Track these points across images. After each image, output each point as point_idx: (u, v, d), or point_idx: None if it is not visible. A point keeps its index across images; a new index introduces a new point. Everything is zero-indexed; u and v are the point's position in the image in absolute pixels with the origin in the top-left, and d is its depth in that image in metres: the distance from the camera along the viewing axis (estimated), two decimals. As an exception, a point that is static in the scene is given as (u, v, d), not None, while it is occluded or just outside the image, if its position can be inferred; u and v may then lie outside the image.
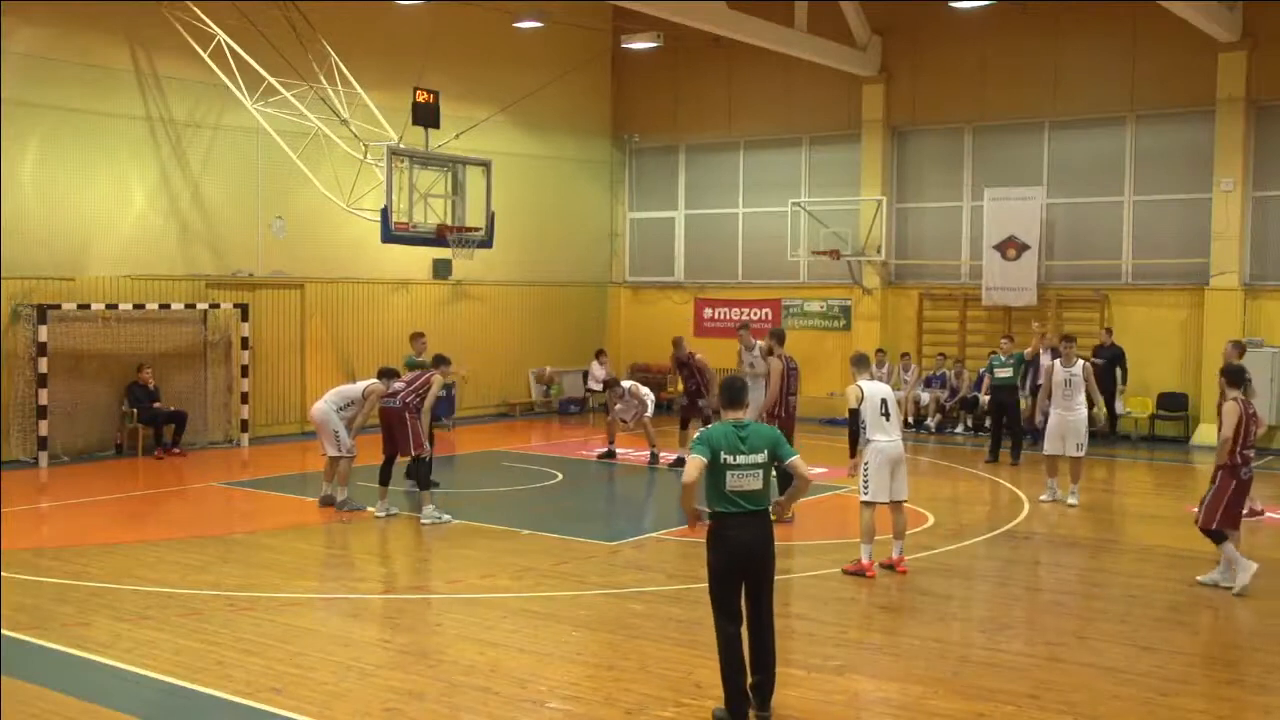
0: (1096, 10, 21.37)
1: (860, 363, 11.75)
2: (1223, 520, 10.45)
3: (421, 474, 13.47)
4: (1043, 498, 14.89)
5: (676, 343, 18.50)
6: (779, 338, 14.41)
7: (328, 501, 14.19)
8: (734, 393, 7.49)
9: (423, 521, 13.24)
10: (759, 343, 15.95)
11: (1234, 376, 10.78)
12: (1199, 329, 20.29)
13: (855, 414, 11.15)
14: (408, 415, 13.44)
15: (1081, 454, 14.78)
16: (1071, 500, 14.69)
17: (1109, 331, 20.84)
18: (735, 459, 7.16)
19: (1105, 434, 20.50)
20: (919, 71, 23.39)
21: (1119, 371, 20.29)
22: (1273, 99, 20.28)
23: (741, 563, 7.19)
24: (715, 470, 7.17)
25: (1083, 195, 22.09)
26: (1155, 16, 19.44)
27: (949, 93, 23.16)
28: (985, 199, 22.45)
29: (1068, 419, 14.67)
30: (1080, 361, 15.02)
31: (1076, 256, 22.12)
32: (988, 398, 19.71)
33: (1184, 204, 21.18)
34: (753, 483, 7.20)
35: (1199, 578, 10.84)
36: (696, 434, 7.41)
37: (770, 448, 7.28)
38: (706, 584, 7.34)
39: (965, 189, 23.23)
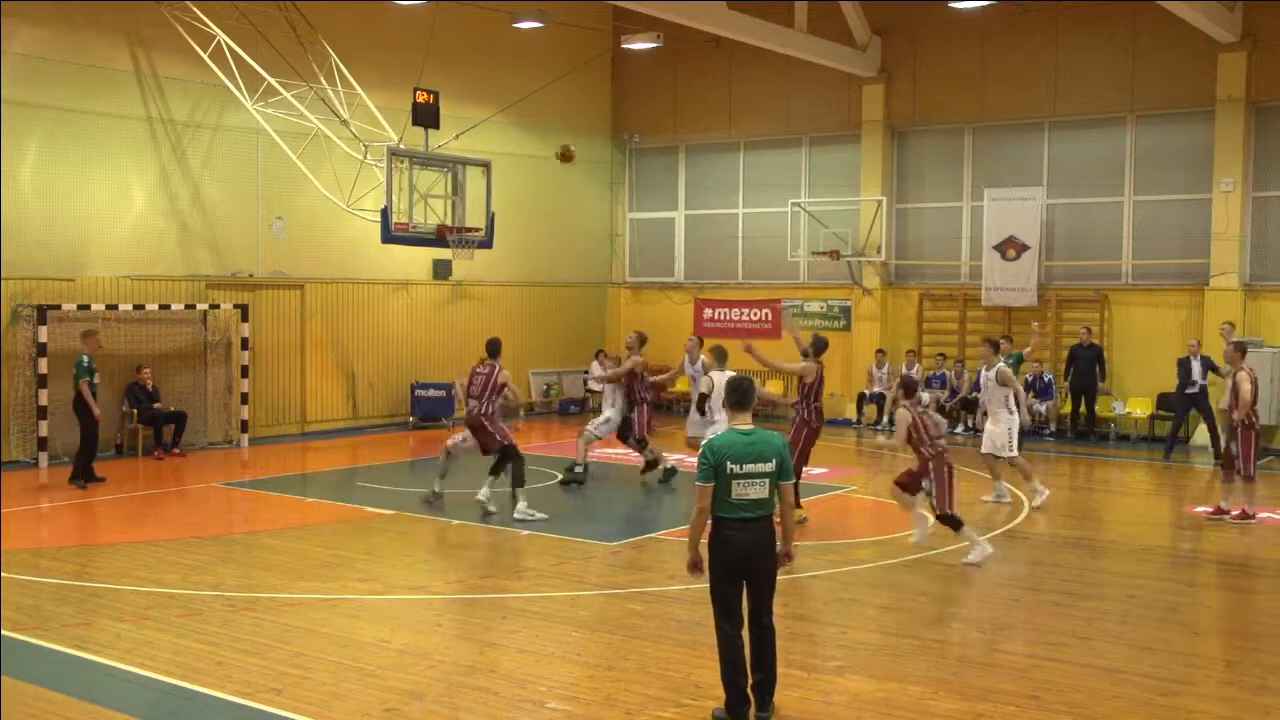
0: (1096, 10, 21.37)
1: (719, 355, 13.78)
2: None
3: (515, 469, 13.79)
4: (985, 498, 14.86)
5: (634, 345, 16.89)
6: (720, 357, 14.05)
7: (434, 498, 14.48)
8: (741, 394, 7.28)
9: (515, 517, 13.49)
10: (702, 356, 15.84)
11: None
12: (1199, 329, 20.25)
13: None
14: (484, 420, 13.97)
15: (1009, 454, 14.49)
16: (1036, 501, 14.53)
17: (1088, 330, 20.85)
18: (742, 468, 7.07)
19: (1084, 433, 20.61)
20: (919, 72, 23.38)
21: (1099, 370, 20.35)
22: (1273, 99, 20.28)
23: (743, 564, 7.16)
24: (721, 479, 7.08)
25: (1083, 195, 22.07)
26: (1155, 16, 19.44)
27: (949, 93, 23.16)
28: (985, 199, 22.44)
29: (987, 424, 14.73)
30: (997, 365, 14.57)
31: (1076, 257, 22.11)
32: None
33: (1184, 204, 21.18)
34: (759, 491, 7.12)
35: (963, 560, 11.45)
36: (703, 444, 7.26)
37: (778, 459, 7.16)
38: (707, 585, 7.32)
39: (965, 189, 23.23)
